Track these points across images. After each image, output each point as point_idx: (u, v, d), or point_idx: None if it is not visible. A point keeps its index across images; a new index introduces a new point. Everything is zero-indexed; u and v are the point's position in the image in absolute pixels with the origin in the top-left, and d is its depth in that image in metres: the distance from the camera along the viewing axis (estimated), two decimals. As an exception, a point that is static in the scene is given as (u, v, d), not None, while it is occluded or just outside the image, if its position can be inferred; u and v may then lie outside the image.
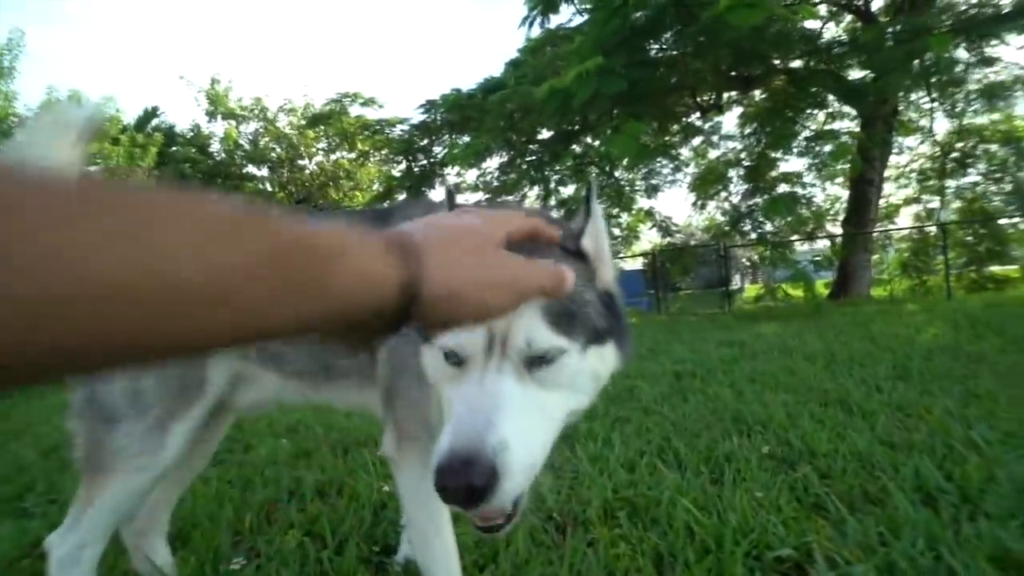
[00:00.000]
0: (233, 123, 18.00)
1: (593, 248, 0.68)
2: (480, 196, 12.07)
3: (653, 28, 7.84)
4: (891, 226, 13.41)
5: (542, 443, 0.61)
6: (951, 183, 11.73)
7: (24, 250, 0.22)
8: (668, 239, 14.29)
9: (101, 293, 0.23)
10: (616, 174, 12.48)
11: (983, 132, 11.05)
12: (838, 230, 11.69)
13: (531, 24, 9.41)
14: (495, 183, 12.11)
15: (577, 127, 10.32)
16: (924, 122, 11.26)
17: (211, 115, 17.73)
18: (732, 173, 12.21)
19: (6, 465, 2.50)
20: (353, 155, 17.73)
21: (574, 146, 11.41)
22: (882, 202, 12.16)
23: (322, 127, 16.88)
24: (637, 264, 14.68)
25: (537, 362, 0.59)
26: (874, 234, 11.47)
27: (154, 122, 17.10)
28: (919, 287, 11.06)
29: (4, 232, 0.22)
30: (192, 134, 18.24)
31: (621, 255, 14.58)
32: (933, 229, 11.33)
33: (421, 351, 0.68)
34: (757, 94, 11.18)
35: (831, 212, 13.55)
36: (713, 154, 13.30)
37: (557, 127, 10.37)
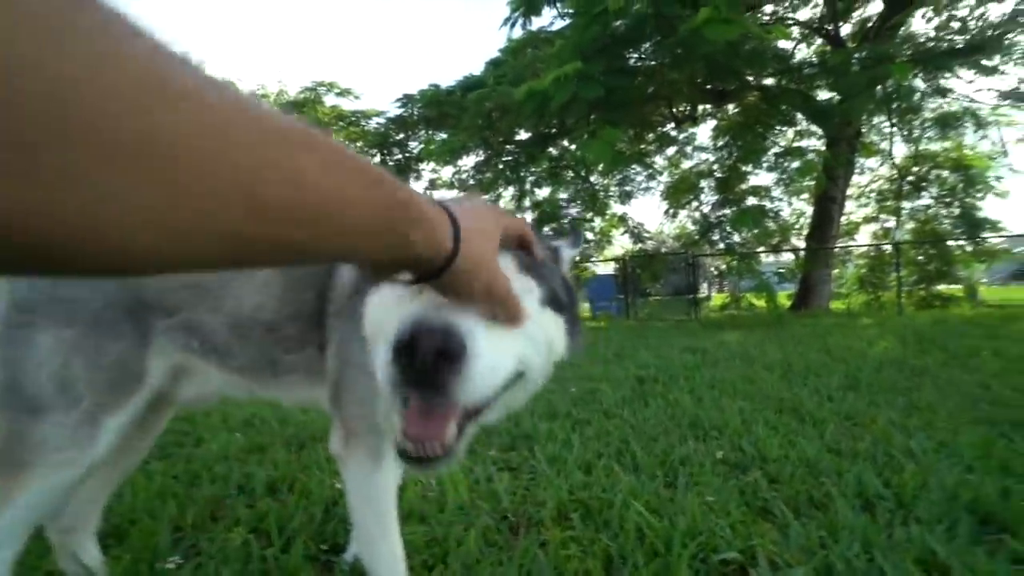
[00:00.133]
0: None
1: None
2: (455, 193, 12.00)
3: (632, 37, 7.96)
4: (851, 242, 13.99)
5: (504, 367, 0.54)
6: (906, 204, 12.32)
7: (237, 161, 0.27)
8: (640, 245, 14.55)
9: (283, 205, 0.30)
10: (591, 179, 12.61)
11: (936, 158, 11.66)
12: (802, 244, 12.13)
13: (513, 25, 9.42)
14: (471, 181, 12.07)
15: (554, 130, 10.39)
16: (884, 145, 11.81)
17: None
18: (704, 184, 12.53)
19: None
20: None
21: (550, 149, 11.49)
22: (844, 219, 12.69)
23: (296, 116, 16.48)
24: (609, 269, 14.87)
25: None
26: (835, 249, 11.95)
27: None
28: (874, 302, 11.55)
29: (215, 146, 0.26)
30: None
31: (593, 259, 14.74)
32: (888, 247, 11.86)
33: (372, 298, 0.64)
34: (731, 108, 11.50)
35: (796, 226, 14.06)
36: (686, 164, 13.63)
37: (534, 129, 10.42)
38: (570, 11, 8.59)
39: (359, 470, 0.89)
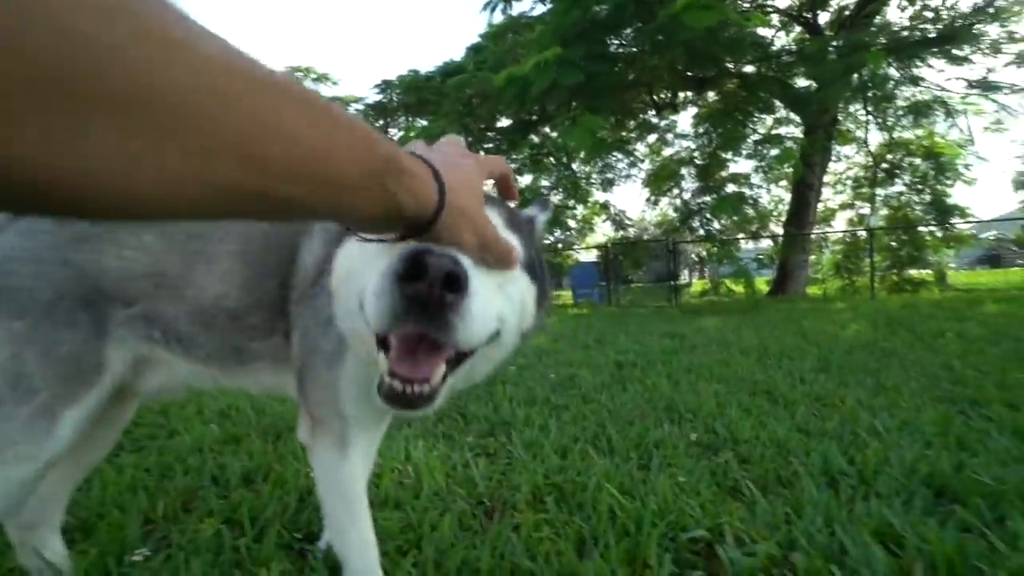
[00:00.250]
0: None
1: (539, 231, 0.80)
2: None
3: (612, 22, 7.93)
4: (828, 229, 14.26)
5: (491, 316, 0.55)
6: (880, 191, 12.59)
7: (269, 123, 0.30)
8: (621, 232, 14.62)
9: (290, 159, 0.32)
10: (573, 166, 12.59)
11: (909, 146, 11.90)
12: (780, 230, 12.34)
13: (493, 10, 9.31)
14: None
15: (535, 117, 10.33)
16: (860, 133, 12.01)
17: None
18: (684, 171, 12.61)
19: None
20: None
21: (532, 136, 11.43)
22: (820, 206, 12.94)
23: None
24: (592, 256, 14.94)
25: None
26: (812, 236, 12.19)
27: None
28: (849, 287, 11.85)
29: (250, 115, 0.29)
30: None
31: (576, 247, 14.79)
32: (863, 233, 12.13)
33: (342, 251, 0.64)
34: (711, 95, 11.55)
35: (775, 213, 14.28)
36: (667, 151, 13.68)
37: (515, 115, 10.34)
38: (550, -5, 8.51)
39: (326, 457, 0.88)
